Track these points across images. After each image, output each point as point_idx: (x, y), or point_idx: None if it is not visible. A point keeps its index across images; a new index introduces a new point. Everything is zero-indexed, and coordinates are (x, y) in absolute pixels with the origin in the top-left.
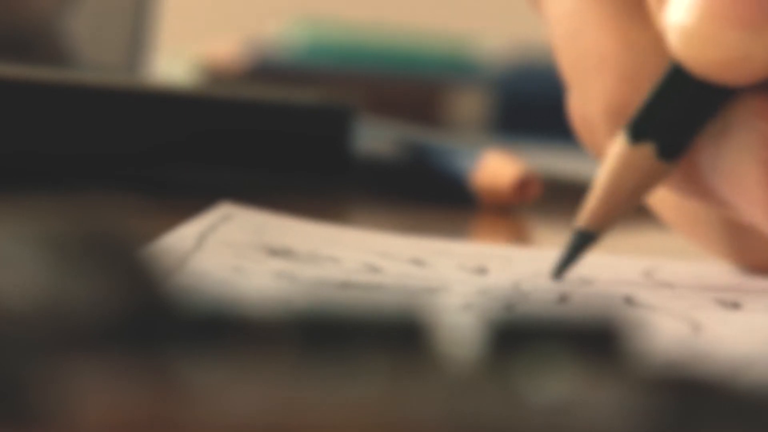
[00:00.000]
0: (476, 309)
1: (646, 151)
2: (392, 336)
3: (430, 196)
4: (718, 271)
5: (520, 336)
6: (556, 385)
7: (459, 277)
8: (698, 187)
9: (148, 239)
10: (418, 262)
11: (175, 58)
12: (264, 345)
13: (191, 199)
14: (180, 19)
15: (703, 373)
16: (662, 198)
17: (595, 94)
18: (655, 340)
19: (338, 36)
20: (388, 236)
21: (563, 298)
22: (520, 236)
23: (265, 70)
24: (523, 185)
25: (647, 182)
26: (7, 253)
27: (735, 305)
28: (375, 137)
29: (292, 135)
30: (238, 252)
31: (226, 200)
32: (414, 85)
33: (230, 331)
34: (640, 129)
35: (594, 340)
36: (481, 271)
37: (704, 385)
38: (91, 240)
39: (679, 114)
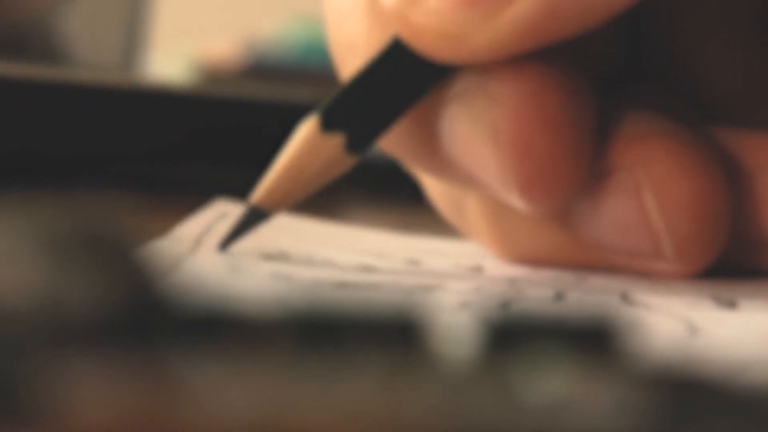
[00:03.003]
0: (472, 307)
1: (335, 141)
2: (388, 335)
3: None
4: (714, 267)
5: (515, 334)
6: (551, 383)
7: (454, 275)
8: (440, 160)
9: (145, 238)
10: (413, 261)
11: (171, 57)
12: (260, 344)
13: (187, 197)
14: (176, 18)
15: (699, 373)
16: (432, 187)
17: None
18: (651, 341)
19: None
20: (383, 235)
21: (559, 296)
22: None
23: (261, 68)
24: None
25: (331, 170)
26: (0, 252)
27: (731, 304)
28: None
29: (288, 134)
30: (233, 254)
31: (221, 197)
32: None
33: (226, 331)
34: (331, 117)
35: (590, 338)
36: (477, 269)
37: (700, 384)
38: (86, 239)
39: (376, 103)
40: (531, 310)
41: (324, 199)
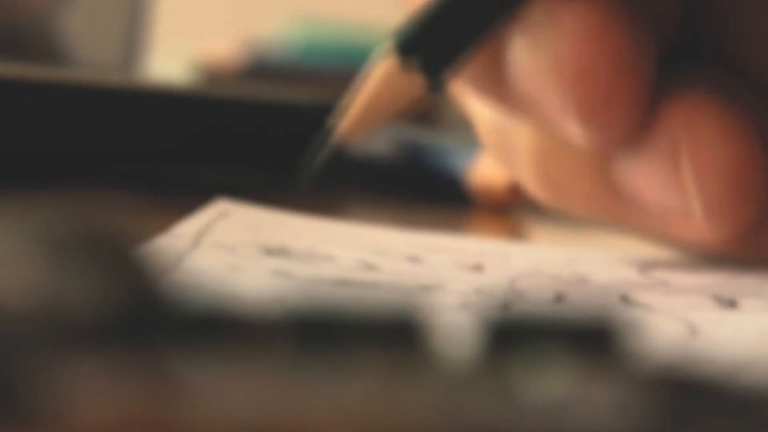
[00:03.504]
0: (472, 308)
1: (414, 74)
2: (388, 335)
3: (426, 195)
4: (714, 265)
5: (516, 335)
6: (552, 384)
7: (455, 274)
8: (503, 87)
9: (145, 237)
10: (414, 259)
11: (171, 57)
12: (260, 343)
13: (187, 197)
14: (176, 18)
15: (699, 373)
16: (480, 118)
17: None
18: (651, 341)
19: (334, 35)
20: (384, 232)
21: (559, 297)
22: (515, 235)
23: (261, 69)
24: (518, 185)
25: (408, 102)
26: (0, 252)
27: (732, 303)
28: (371, 136)
29: (288, 134)
30: (233, 251)
31: (222, 197)
32: None
33: (226, 330)
34: (409, 46)
35: (590, 339)
36: (478, 268)
37: (701, 384)
38: (86, 239)
39: (453, 32)
40: (531, 311)
41: (325, 200)
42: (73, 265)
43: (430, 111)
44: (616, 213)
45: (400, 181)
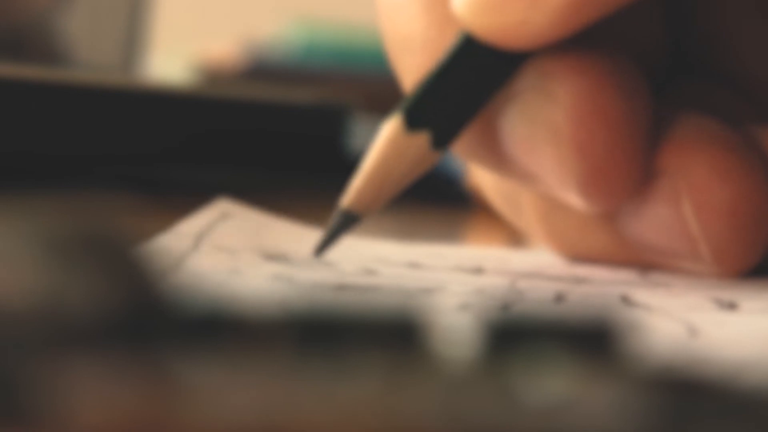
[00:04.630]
0: (473, 309)
1: (420, 139)
2: (389, 337)
3: (425, 196)
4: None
5: (516, 336)
6: (552, 385)
7: (455, 277)
8: (500, 157)
9: (145, 238)
10: (414, 264)
11: (171, 58)
12: (260, 346)
13: (187, 198)
14: (176, 19)
15: (699, 374)
16: (485, 180)
17: (405, 74)
18: (651, 342)
19: (334, 36)
20: (383, 243)
21: (559, 298)
22: (513, 237)
23: (261, 69)
24: None
25: (417, 169)
26: (1, 253)
27: (731, 305)
28: (371, 137)
29: (288, 134)
30: (234, 256)
31: (222, 197)
32: None
33: (227, 332)
34: (414, 116)
35: (590, 340)
36: (477, 270)
37: (700, 385)
38: (86, 239)
39: (457, 99)
40: (531, 312)
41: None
42: (73, 266)
43: None
44: (629, 258)
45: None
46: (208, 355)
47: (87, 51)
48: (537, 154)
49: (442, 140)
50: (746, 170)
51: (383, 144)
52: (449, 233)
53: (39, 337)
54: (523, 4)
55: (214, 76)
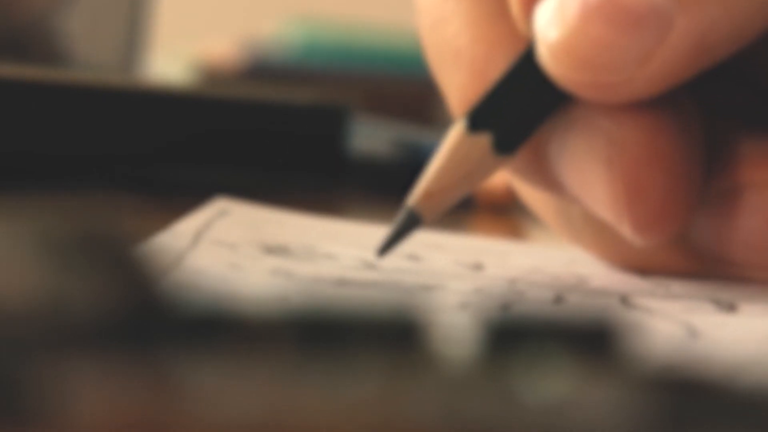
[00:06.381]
0: (472, 308)
1: (482, 142)
2: (388, 335)
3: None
4: None
5: (515, 336)
6: (551, 385)
7: (455, 273)
8: (548, 179)
9: (145, 238)
10: (414, 257)
11: (172, 58)
12: (260, 343)
13: (187, 197)
14: (176, 19)
15: (698, 375)
16: (532, 193)
17: (450, 88)
18: (650, 344)
19: (334, 36)
20: (383, 230)
21: (559, 298)
22: (515, 236)
23: (261, 69)
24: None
25: (481, 172)
26: (1, 253)
27: (731, 307)
28: (370, 136)
29: (288, 134)
30: (234, 249)
31: (221, 197)
32: (409, 84)
33: (226, 330)
34: (478, 118)
35: (590, 340)
36: (477, 267)
37: (700, 386)
38: (86, 239)
39: (519, 108)
40: (531, 312)
41: (324, 200)
42: (73, 266)
43: (430, 111)
44: (695, 270)
45: (400, 181)
46: (207, 354)
47: (87, 51)
48: (589, 185)
49: (504, 145)
50: None
51: (448, 144)
52: (449, 227)
53: (39, 337)
54: (627, 65)
55: (213, 76)
